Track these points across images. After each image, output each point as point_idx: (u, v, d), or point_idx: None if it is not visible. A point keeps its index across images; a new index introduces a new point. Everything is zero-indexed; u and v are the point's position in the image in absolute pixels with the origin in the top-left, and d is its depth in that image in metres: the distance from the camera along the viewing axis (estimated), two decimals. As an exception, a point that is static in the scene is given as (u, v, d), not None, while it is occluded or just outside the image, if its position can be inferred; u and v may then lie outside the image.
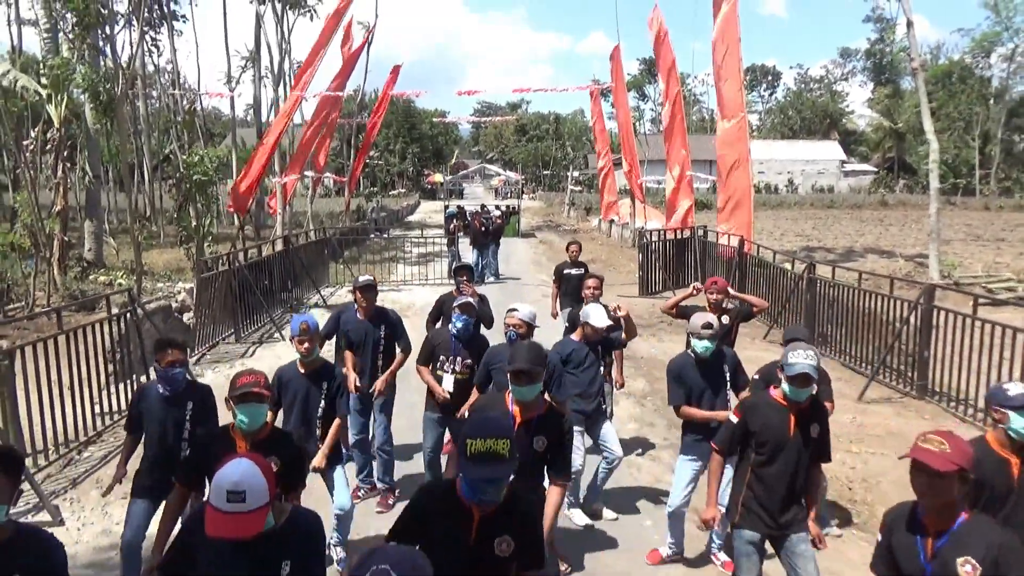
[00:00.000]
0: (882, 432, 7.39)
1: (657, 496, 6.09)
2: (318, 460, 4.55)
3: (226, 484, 2.30)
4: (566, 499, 5.64)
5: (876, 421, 7.85)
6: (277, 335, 11.96)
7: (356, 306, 5.98)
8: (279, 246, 15.33)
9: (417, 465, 6.38)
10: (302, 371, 4.73)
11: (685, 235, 17.41)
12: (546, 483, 3.83)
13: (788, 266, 12.93)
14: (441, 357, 5.54)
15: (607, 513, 5.80)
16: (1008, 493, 3.19)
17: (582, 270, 9.64)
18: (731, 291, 6.51)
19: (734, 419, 3.93)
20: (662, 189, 23.72)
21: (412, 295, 16.28)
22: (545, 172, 78.94)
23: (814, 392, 3.72)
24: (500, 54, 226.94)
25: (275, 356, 10.77)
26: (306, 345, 4.66)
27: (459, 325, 5.48)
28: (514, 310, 5.13)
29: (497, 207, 29.80)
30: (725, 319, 6.17)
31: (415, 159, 70.32)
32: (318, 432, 4.69)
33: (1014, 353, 7.23)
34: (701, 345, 4.79)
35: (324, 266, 17.81)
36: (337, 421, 4.68)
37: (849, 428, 7.49)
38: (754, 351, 10.82)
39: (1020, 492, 3.18)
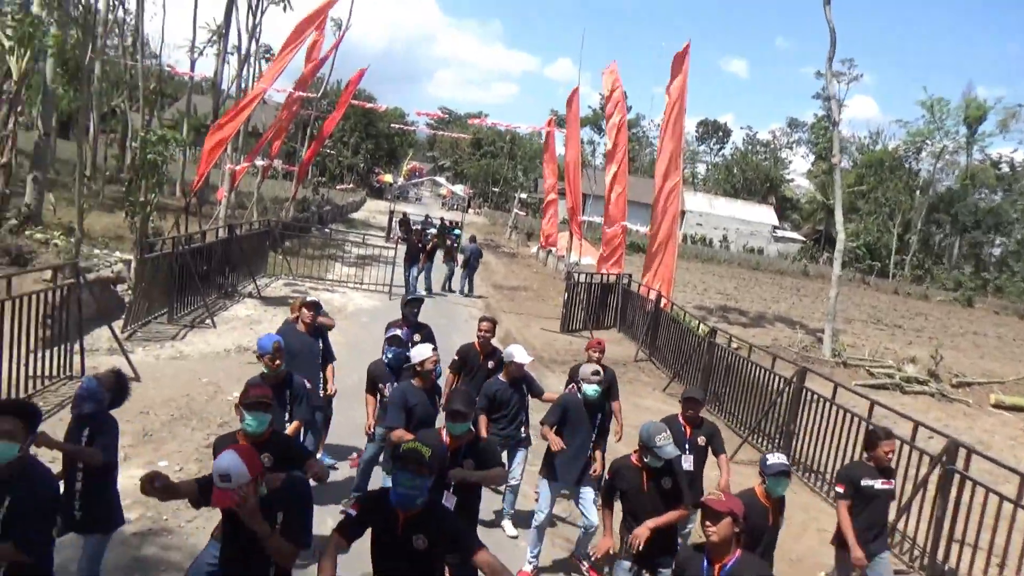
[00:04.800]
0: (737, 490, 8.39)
1: (520, 512, 6.80)
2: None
3: (217, 470, 3.21)
4: (503, 509, 6.68)
5: (737, 480, 8.87)
6: (208, 321, 12.38)
7: (299, 322, 6.80)
8: (223, 233, 15.69)
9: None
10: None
11: (611, 280, 18.51)
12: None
13: (695, 326, 14.08)
14: (380, 385, 6.30)
15: (509, 530, 6.57)
16: (764, 532, 4.60)
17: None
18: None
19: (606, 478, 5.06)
20: (601, 224, 24.86)
21: (346, 298, 16.82)
22: (494, 189, 79.86)
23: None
24: (468, 63, 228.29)
25: (204, 342, 11.23)
26: (277, 362, 5.37)
27: (390, 355, 6.27)
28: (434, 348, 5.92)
29: (440, 220, 30.34)
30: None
31: (367, 155, 70.22)
32: None
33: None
34: (591, 389, 5.74)
35: (263, 256, 18.21)
36: (296, 423, 5.43)
37: (712, 484, 8.48)
38: (652, 401, 11.88)
39: (772, 531, 4.62)
